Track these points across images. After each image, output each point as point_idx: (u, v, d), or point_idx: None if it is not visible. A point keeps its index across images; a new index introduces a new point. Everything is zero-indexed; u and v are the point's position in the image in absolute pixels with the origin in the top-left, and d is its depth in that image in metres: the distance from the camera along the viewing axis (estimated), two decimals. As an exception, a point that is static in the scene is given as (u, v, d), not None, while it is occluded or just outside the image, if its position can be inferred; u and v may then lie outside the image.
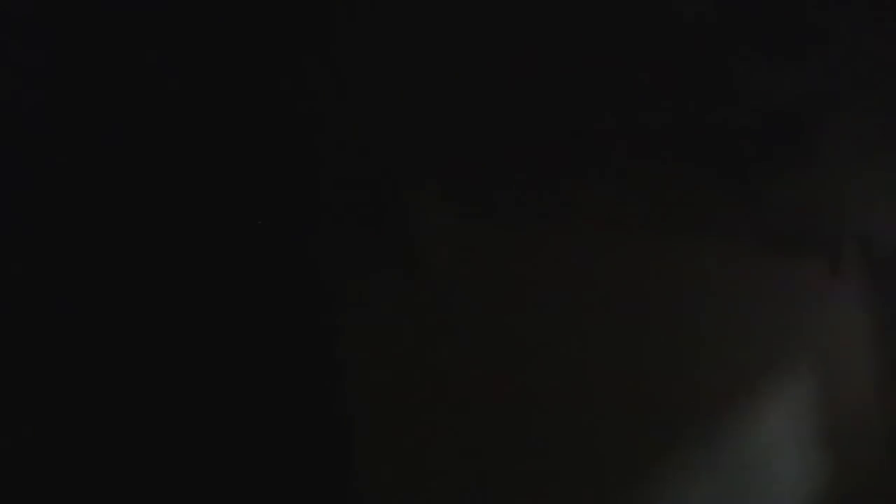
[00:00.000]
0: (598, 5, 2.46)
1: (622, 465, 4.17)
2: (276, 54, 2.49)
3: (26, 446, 1.83)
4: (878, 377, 5.41)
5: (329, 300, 3.13)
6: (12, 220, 1.92)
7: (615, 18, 2.54)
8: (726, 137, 3.62)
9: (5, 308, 1.88)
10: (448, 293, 3.69)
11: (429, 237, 3.64)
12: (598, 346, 4.18)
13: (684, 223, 4.57)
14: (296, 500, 2.62)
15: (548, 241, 4.14)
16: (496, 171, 3.57)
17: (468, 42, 2.51)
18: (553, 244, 4.15)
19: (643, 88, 3.06)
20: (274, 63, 2.53)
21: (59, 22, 2.07)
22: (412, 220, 3.59)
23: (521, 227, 4.03)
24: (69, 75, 2.12)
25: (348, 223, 3.32)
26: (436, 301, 3.62)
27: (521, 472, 3.72)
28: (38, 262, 1.95)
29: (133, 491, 1.93)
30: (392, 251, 3.47)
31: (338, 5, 2.38)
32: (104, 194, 2.17)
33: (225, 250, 2.68)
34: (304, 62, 2.58)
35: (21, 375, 1.85)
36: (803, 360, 5.15)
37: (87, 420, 1.95)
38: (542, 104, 3.06)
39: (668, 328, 4.47)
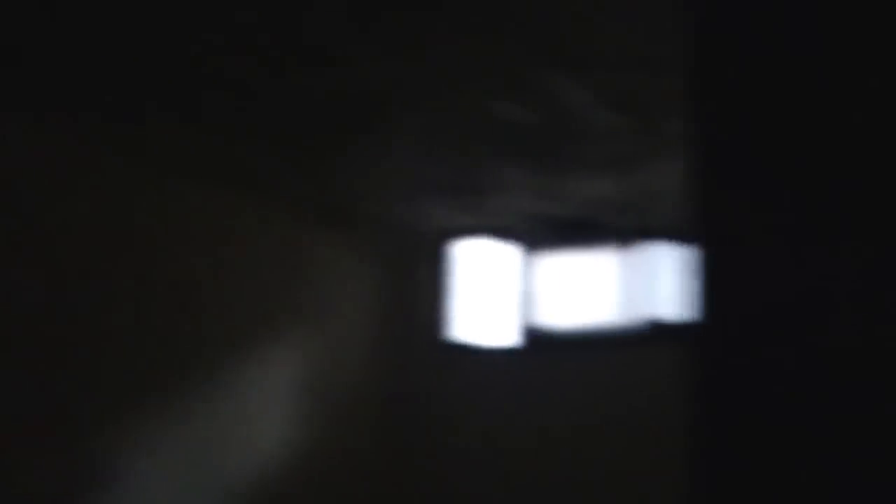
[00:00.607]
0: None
1: (108, 402, 4.27)
2: None
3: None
4: (373, 360, 5.72)
5: None
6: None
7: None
8: (300, 106, 3.78)
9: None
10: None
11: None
12: (112, 280, 4.29)
13: (233, 179, 4.69)
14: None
15: (106, 167, 4.28)
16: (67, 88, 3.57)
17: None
18: (111, 171, 4.29)
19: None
20: None
21: None
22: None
23: (79, 147, 4.17)
24: None
25: None
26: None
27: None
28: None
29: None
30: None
31: None
32: None
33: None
34: None
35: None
36: (307, 330, 5.35)
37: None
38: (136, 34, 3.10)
39: (180, 275, 4.59)
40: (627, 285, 5.34)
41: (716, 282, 1.25)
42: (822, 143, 1.23)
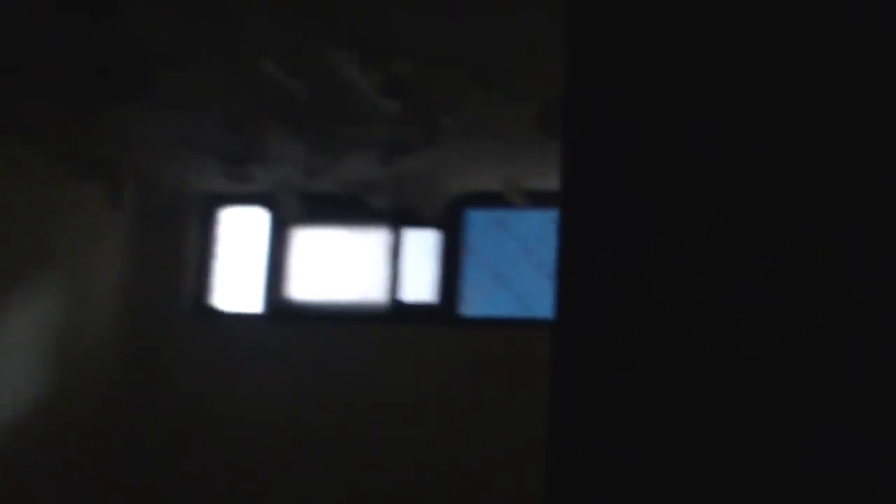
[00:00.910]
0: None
1: None
2: None
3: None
4: (124, 319, 5.77)
5: None
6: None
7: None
8: (74, 52, 3.74)
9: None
10: None
11: None
12: None
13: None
14: None
15: None
16: None
17: None
18: None
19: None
20: None
21: None
22: None
23: None
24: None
25: None
26: None
27: None
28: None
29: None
30: None
31: None
32: None
33: None
34: None
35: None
36: (57, 281, 5.28)
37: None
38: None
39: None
40: (382, 265, 5.48)
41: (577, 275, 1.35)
42: (690, 138, 1.33)
